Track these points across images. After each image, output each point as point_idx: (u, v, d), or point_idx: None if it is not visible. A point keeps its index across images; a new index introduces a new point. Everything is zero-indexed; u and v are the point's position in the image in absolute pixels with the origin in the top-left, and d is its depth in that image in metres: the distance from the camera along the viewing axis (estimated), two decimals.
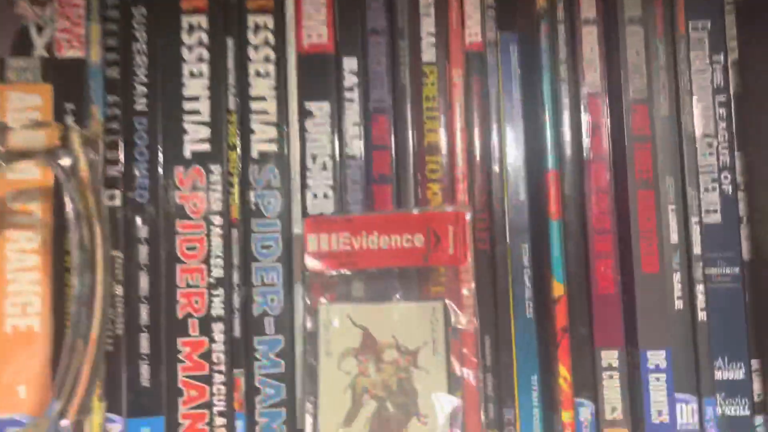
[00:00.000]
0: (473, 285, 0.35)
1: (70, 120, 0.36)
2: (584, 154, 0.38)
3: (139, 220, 0.37)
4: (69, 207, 0.30)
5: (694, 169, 0.37)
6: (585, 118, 0.38)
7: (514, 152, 0.39)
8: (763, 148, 0.36)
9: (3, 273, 0.36)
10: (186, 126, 0.37)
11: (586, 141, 0.38)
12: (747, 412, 0.36)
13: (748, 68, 0.38)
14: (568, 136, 0.38)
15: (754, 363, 0.37)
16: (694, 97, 0.38)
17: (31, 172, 0.36)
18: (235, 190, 0.37)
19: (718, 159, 0.37)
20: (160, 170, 0.37)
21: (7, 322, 0.36)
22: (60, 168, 0.29)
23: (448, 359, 0.34)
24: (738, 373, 0.36)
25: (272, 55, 0.38)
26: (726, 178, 0.37)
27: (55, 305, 0.36)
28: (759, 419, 0.36)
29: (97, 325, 0.29)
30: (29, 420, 0.33)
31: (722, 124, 0.37)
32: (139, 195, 0.37)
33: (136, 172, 0.37)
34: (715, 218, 0.37)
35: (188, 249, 0.37)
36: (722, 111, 0.37)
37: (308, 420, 0.34)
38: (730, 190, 0.37)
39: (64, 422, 0.28)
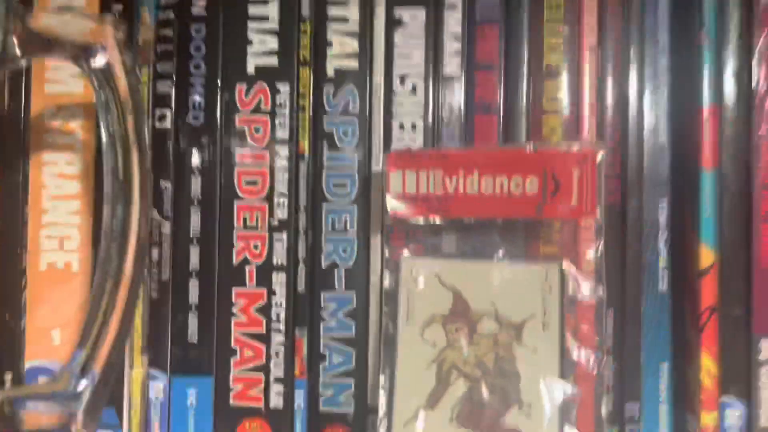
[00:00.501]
0: (602, 245, 0.27)
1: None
2: (755, 85, 0.29)
3: (192, 147, 0.31)
4: (102, 124, 0.24)
5: None
6: (759, 36, 0.29)
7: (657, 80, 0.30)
8: None
9: (39, 201, 0.31)
10: (251, 35, 0.31)
11: (758, 68, 0.29)
12: None
13: None
14: (733, 61, 0.29)
15: None
16: None
17: (73, 85, 0.31)
18: (306, 115, 0.31)
19: None
20: (219, 88, 0.31)
21: (42, 257, 0.31)
22: (91, 71, 0.24)
23: (561, 336, 0.27)
24: None
25: None
26: None
27: (96, 240, 0.31)
28: None
29: (130, 264, 0.24)
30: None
31: None
32: (194, 117, 0.31)
33: (191, 89, 0.31)
34: None
35: (248, 183, 0.31)
36: None
37: (382, 397, 0.27)
38: None
39: (84, 381, 0.23)
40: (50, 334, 0.31)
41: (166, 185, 0.31)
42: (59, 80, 0.31)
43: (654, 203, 0.31)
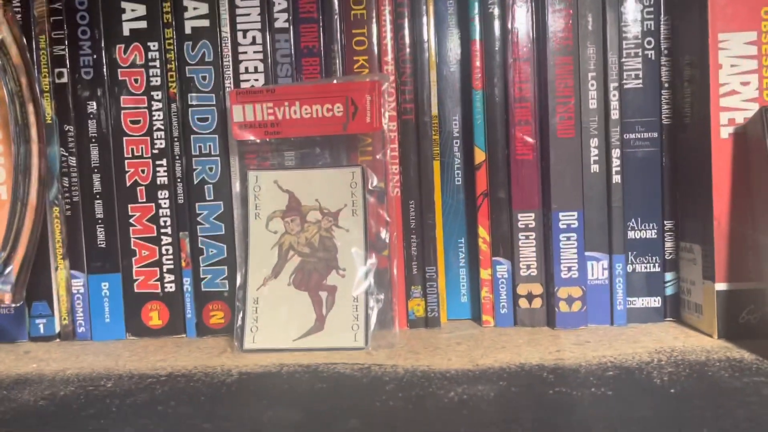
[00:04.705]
0: (388, 150, 0.37)
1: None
2: (509, 26, 0.38)
3: (85, 96, 0.40)
4: (2, 84, 0.33)
5: (617, 36, 0.37)
6: None
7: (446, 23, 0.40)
8: (689, 11, 0.36)
9: None
10: (123, 4, 0.39)
11: (511, 13, 0.38)
12: (658, 269, 0.38)
13: None
14: (497, 8, 0.38)
15: (668, 224, 0.38)
16: None
17: None
18: (173, 65, 0.39)
19: (642, 24, 0.37)
20: (103, 48, 0.39)
21: None
22: None
23: (365, 219, 0.37)
24: (650, 233, 0.38)
25: None
26: (649, 43, 0.37)
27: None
28: (669, 275, 0.38)
29: (35, 190, 0.32)
30: None
31: None
32: (85, 72, 0.40)
33: (81, 51, 0.39)
34: (636, 83, 0.37)
35: (132, 122, 0.40)
36: None
37: (239, 273, 0.37)
38: (653, 55, 0.37)
39: (6, 270, 0.32)
40: None
41: (70, 128, 0.40)
42: None
43: (449, 119, 0.40)
